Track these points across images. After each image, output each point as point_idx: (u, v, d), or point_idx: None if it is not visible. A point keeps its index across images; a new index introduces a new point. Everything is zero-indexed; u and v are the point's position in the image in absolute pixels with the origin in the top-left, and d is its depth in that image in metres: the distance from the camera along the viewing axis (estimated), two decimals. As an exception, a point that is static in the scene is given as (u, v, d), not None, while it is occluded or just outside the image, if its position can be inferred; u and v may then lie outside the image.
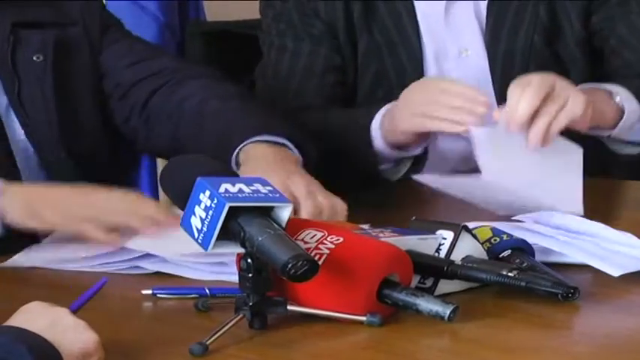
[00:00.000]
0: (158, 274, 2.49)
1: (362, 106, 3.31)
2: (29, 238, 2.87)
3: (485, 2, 3.31)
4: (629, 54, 3.24)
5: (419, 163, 3.14)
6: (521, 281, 2.21)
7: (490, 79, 3.29)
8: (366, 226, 2.51)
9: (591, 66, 3.31)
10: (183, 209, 2.23)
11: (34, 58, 2.99)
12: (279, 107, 3.39)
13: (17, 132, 3.01)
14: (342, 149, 3.12)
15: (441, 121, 2.88)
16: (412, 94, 3.00)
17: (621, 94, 2.99)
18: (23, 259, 2.70)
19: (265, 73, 3.47)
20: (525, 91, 2.77)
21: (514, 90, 2.79)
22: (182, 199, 2.21)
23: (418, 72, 3.29)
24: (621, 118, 2.99)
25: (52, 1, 3.15)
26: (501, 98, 3.08)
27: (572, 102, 2.80)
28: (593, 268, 2.41)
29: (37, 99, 3.01)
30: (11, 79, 2.92)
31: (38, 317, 2.04)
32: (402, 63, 3.29)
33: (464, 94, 2.89)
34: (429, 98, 2.93)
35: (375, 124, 3.07)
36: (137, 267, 2.54)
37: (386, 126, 3.05)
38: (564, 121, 2.77)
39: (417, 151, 3.11)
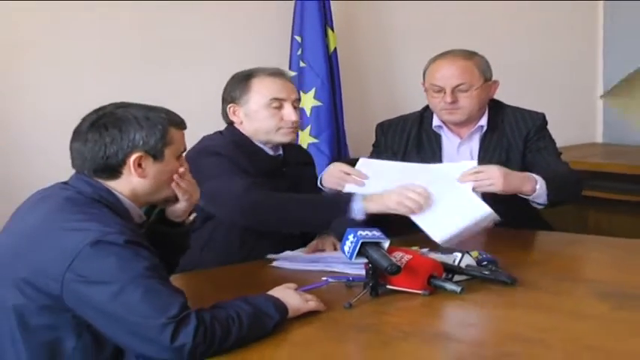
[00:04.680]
0: (331, 271, 2.54)
1: None
2: None
3: (478, 145, 3.20)
4: (544, 171, 2.99)
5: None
6: (492, 275, 2.36)
7: None
8: (424, 249, 2.61)
9: None
10: (340, 241, 2.34)
11: (308, 179, 3.02)
12: None
13: None
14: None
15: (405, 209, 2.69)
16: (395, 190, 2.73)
17: (538, 179, 2.86)
18: (280, 261, 2.72)
19: None
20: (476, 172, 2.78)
21: (475, 168, 2.80)
22: (340, 237, 2.33)
23: None
24: (534, 190, 2.86)
25: (302, 149, 3.20)
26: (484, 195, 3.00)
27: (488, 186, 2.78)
28: (525, 270, 2.47)
29: None
30: None
31: (278, 292, 2.15)
32: None
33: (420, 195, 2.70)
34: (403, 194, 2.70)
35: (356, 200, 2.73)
36: (323, 268, 2.58)
37: (369, 202, 2.72)
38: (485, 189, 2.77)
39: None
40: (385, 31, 4.42)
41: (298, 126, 3.00)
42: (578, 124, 5.17)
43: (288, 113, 2.90)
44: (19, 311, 1.99)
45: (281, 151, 3.01)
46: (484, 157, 3.18)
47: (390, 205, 2.70)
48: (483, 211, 2.70)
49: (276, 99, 2.90)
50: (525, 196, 2.92)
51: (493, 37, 4.60)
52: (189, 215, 2.39)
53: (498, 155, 3.19)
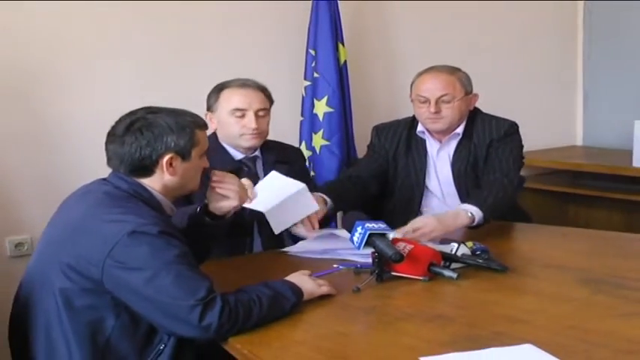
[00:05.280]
0: (341, 259, 2.53)
1: (399, 193, 3.22)
2: None
3: (454, 148, 3.18)
4: (496, 169, 3.07)
5: None
6: (485, 263, 2.37)
7: (453, 183, 3.14)
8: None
9: None
10: (350, 232, 2.35)
11: None
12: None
13: None
14: None
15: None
16: None
17: (471, 209, 2.80)
18: (293, 249, 2.74)
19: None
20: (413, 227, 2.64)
21: (411, 224, 2.66)
22: (350, 228, 2.34)
23: (423, 177, 3.20)
24: (473, 219, 2.78)
25: (287, 149, 3.13)
26: (459, 192, 3.14)
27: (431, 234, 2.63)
28: (514, 258, 2.50)
29: None
30: None
31: (294, 277, 2.16)
32: (417, 172, 3.20)
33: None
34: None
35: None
36: (334, 257, 2.57)
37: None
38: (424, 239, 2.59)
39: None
40: (390, 45, 4.41)
41: (263, 132, 2.94)
42: (560, 128, 5.13)
43: (248, 121, 2.87)
44: (65, 293, 2.00)
45: (257, 153, 2.98)
46: (456, 161, 3.19)
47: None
48: (296, 187, 2.61)
49: (237, 109, 2.88)
50: (467, 226, 2.84)
51: (481, 49, 4.56)
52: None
53: (467, 160, 3.18)
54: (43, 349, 2.03)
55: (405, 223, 2.69)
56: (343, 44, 3.98)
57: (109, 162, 2.17)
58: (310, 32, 3.95)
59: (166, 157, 2.13)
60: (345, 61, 3.99)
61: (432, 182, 3.24)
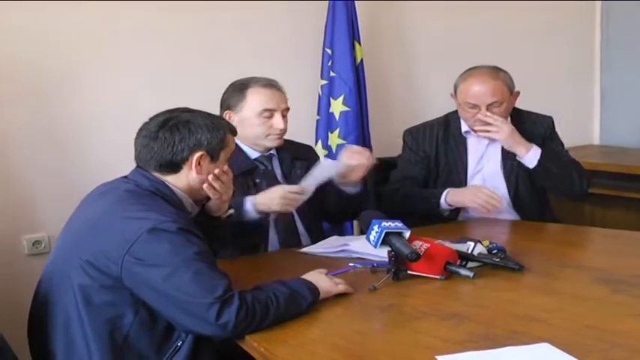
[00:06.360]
0: (357, 258, 2.53)
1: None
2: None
3: (501, 147, 3.19)
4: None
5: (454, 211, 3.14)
6: (501, 262, 2.36)
7: (502, 177, 3.19)
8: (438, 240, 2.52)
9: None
10: (366, 231, 2.33)
11: (298, 172, 2.93)
12: (391, 182, 3.35)
13: None
14: (421, 204, 3.12)
15: (477, 205, 3.00)
16: (469, 189, 3.09)
17: (536, 150, 3.07)
18: (308, 248, 2.74)
19: (396, 168, 3.36)
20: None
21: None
22: (367, 227, 2.31)
23: (465, 177, 3.21)
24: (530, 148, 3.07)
25: (300, 147, 3.09)
26: (508, 187, 3.19)
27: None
28: (531, 258, 2.45)
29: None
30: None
31: (311, 276, 2.16)
32: (459, 174, 3.23)
33: (490, 195, 2.99)
34: (475, 193, 3.02)
35: (442, 195, 3.08)
36: (350, 255, 2.56)
37: (449, 196, 3.08)
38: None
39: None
40: (406, 44, 4.40)
41: (286, 132, 2.94)
42: (577, 127, 5.10)
43: (277, 122, 2.88)
44: (84, 290, 2.01)
45: (273, 150, 2.98)
46: (508, 154, 3.22)
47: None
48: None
49: (267, 110, 2.87)
50: (519, 158, 3.13)
51: (497, 48, 4.51)
52: (228, 210, 2.44)
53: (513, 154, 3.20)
54: (62, 346, 2.04)
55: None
56: (360, 43, 3.98)
57: (138, 157, 2.19)
58: (327, 31, 3.95)
59: (197, 155, 2.15)
60: (362, 60, 3.99)
61: (474, 181, 3.25)
